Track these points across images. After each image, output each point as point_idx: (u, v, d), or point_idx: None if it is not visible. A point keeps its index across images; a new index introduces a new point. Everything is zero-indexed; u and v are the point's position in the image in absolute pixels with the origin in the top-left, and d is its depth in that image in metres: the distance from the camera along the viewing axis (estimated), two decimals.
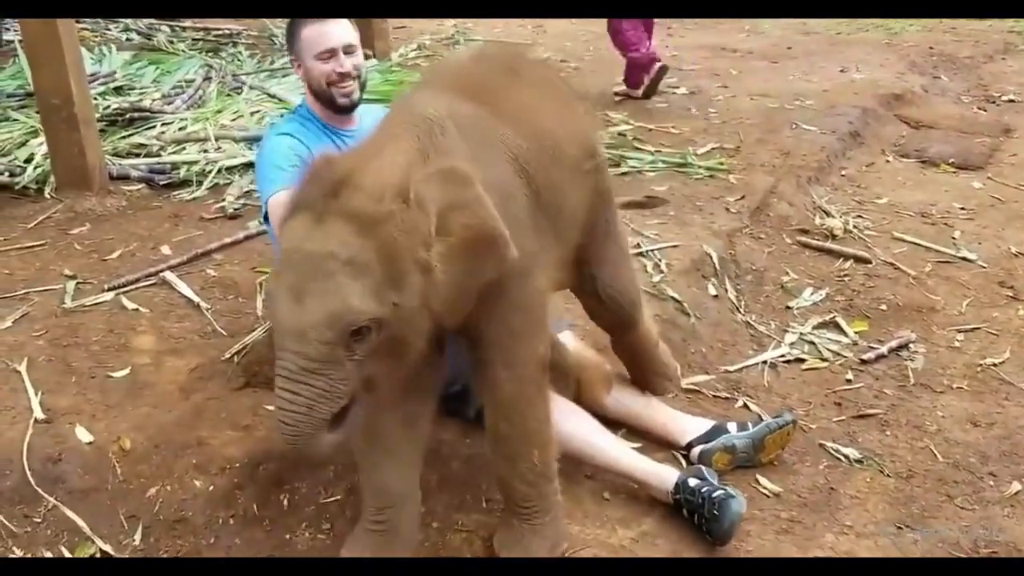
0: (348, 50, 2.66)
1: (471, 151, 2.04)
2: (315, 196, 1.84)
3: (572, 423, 2.58)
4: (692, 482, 2.50)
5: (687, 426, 2.85)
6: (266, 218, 2.66)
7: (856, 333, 3.63)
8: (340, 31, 2.66)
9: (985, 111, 6.56)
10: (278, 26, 7.82)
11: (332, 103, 2.70)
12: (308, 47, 2.64)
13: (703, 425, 2.84)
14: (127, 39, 6.99)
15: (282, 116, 2.82)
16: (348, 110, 2.74)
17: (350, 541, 2.29)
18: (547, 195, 2.21)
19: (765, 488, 2.75)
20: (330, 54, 2.63)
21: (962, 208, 4.79)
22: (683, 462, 2.77)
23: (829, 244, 4.31)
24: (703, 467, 2.61)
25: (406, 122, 2.06)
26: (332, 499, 2.49)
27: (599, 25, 8.87)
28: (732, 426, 2.84)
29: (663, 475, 2.57)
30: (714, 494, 2.44)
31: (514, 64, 2.50)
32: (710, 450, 2.75)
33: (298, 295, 1.77)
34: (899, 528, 2.62)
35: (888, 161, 5.51)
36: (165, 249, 3.73)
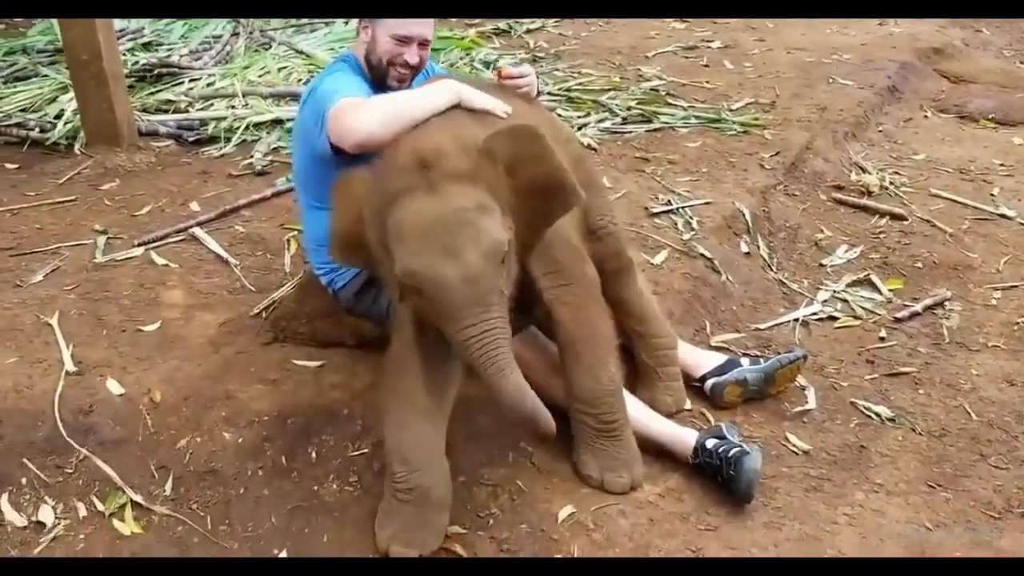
0: (423, 43, 2.63)
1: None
2: (409, 178, 2.07)
3: None
4: (710, 443, 2.51)
5: (700, 360, 2.92)
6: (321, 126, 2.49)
7: (890, 291, 3.57)
8: (425, 27, 2.63)
9: None
10: None
11: (382, 80, 2.65)
12: (390, 24, 2.59)
13: (717, 358, 2.92)
14: None
15: (331, 64, 2.77)
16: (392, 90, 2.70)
17: (381, 515, 2.30)
18: None
19: (795, 446, 2.73)
20: (406, 41, 2.60)
21: (1001, 164, 4.68)
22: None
23: (865, 201, 4.23)
24: (722, 425, 2.61)
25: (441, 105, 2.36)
26: (359, 452, 2.50)
27: None
28: (745, 360, 2.91)
29: (684, 438, 2.56)
30: (730, 453, 2.45)
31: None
32: (722, 383, 2.83)
33: (452, 252, 1.99)
34: (931, 487, 2.58)
35: (926, 116, 5.39)
36: (194, 205, 3.73)
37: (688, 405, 2.82)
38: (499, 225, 2.07)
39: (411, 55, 2.61)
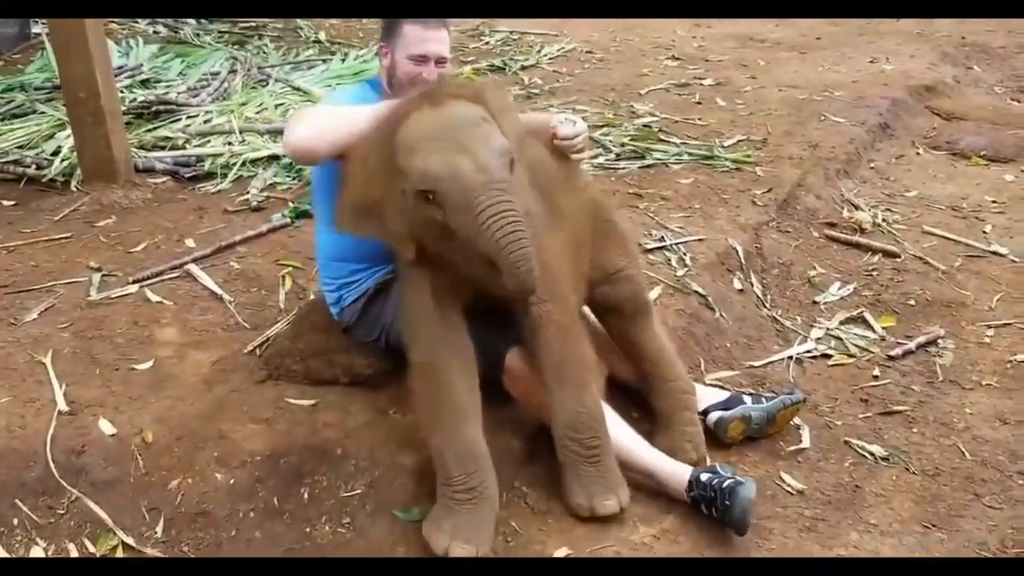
0: (440, 61, 2.68)
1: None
2: (413, 102, 2.24)
3: None
4: (704, 477, 2.51)
5: (703, 394, 2.92)
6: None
7: (884, 328, 3.58)
8: (439, 43, 2.67)
9: (1018, 102, 6.46)
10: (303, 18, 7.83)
11: None
12: (405, 45, 2.65)
13: (719, 395, 2.94)
14: (154, 32, 7.03)
15: (355, 82, 2.85)
16: None
17: (433, 521, 2.34)
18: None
19: (789, 486, 2.72)
20: (423, 60, 2.65)
21: (994, 201, 4.72)
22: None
23: (857, 238, 4.25)
24: (717, 464, 2.60)
25: None
26: (353, 493, 2.49)
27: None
28: (747, 399, 2.92)
29: (679, 473, 2.56)
30: (724, 484, 2.45)
31: None
32: (728, 417, 2.83)
33: (461, 149, 2.13)
34: (925, 527, 2.58)
35: (918, 153, 5.43)
36: (189, 242, 3.74)
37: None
38: (501, 136, 2.19)
39: (429, 73, 2.66)
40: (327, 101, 2.68)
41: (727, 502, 2.42)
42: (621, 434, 2.60)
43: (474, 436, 2.37)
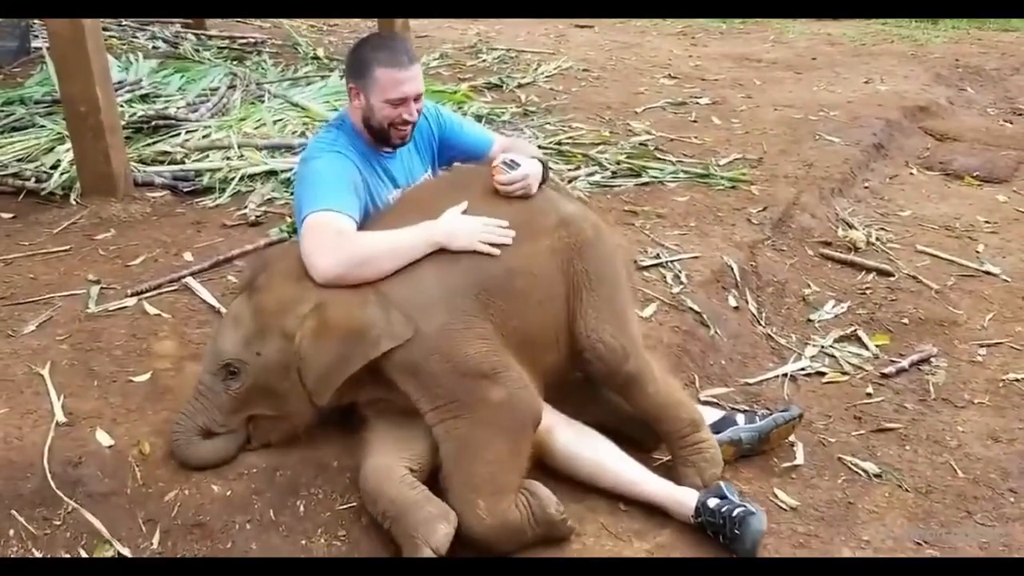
0: (417, 98, 2.65)
1: None
2: (247, 278, 2.56)
3: (589, 448, 2.61)
4: (712, 503, 2.51)
5: None
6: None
7: (877, 347, 3.60)
8: (416, 83, 2.62)
9: (1011, 124, 6.52)
10: (302, 35, 7.90)
11: (386, 141, 2.70)
12: (380, 90, 2.60)
13: (712, 415, 2.90)
14: (154, 47, 7.07)
15: (326, 128, 2.81)
16: (397, 148, 2.76)
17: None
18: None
19: (783, 502, 2.74)
20: (401, 102, 2.62)
21: (986, 221, 4.76)
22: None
23: (852, 257, 4.29)
24: (722, 483, 2.60)
25: None
26: (348, 505, 2.50)
27: (622, 34, 8.92)
28: (740, 418, 2.90)
29: (683, 499, 2.56)
30: (734, 513, 2.45)
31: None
32: (717, 442, 2.78)
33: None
34: (917, 544, 2.60)
35: (912, 174, 5.48)
36: (187, 255, 3.75)
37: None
38: (235, 341, 2.41)
39: (409, 113, 2.64)
40: (310, 165, 2.63)
41: (737, 531, 2.42)
42: (622, 469, 2.60)
43: (375, 464, 2.43)
